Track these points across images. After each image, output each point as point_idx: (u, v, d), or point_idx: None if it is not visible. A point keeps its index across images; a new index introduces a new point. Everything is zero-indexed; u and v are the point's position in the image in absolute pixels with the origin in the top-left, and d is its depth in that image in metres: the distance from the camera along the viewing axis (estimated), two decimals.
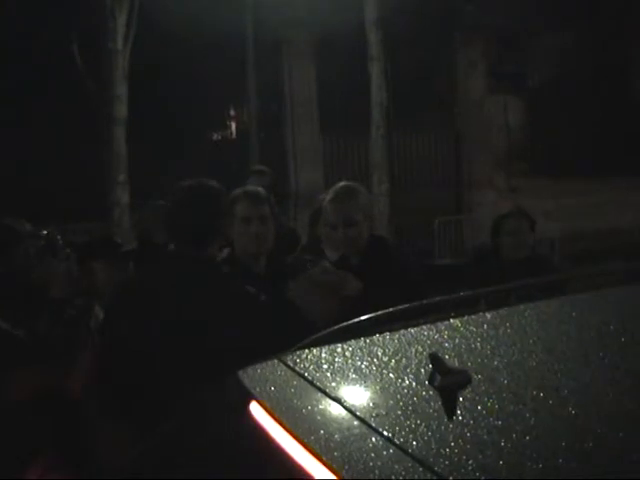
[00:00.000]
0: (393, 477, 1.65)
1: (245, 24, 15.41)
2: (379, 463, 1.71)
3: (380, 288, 4.11)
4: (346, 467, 1.72)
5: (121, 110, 14.09)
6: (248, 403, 2.19)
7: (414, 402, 1.97)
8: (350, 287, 4.13)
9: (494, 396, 1.95)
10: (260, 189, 5.00)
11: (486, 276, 5.35)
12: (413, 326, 2.54)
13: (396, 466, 1.68)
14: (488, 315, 2.58)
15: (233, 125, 19.45)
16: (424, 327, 2.52)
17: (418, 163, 19.02)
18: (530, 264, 5.75)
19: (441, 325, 2.53)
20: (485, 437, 1.75)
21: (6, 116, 15.60)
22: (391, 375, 2.16)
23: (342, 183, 5.04)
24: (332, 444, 1.83)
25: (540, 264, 5.86)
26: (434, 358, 2.01)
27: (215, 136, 19.40)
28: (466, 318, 2.57)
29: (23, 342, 4.25)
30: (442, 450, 1.71)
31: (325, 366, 2.31)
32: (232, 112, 19.38)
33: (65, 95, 15.40)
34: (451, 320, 2.56)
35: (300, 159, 18.35)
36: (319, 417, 2.04)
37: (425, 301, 2.78)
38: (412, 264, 5.38)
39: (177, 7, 14.92)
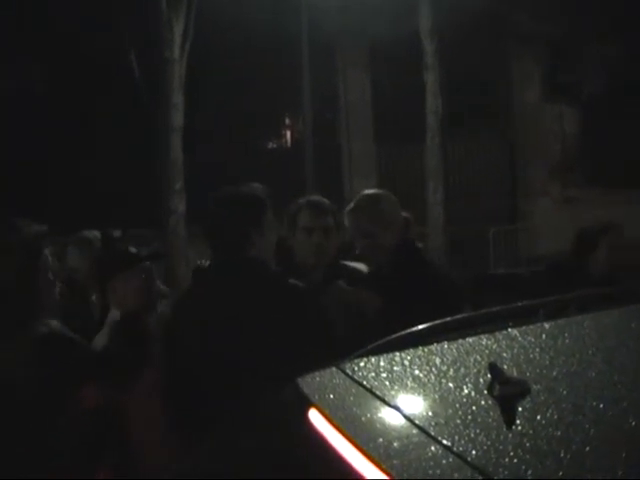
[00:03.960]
0: None
1: (300, 33, 15.47)
2: (438, 472, 1.72)
3: (413, 297, 4.07)
4: (405, 475, 1.73)
5: (177, 119, 14.20)
6: (307, 410, 2.21)
7: (473, 411, 1.97)
8: (367, 305, 4.13)
9: (553, 406, 1.94)
10: (324, 199, 4.94)
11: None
12: (471, 335, 2.54)
13: (455, 475, 1.69)
14: (547, 325, 2.57)
15: (288, 134, 19.53)
16: (482, 337, 2.52)
17: (473, 172, 18.94)
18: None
19: (499, 335, 2.53)
20: (544, 447, 1.74)
21: (67, 126, 15.84)
22: (450, 384, 2.17)
23: (363, 192, 4.97)
24: (391, 452, 1.84)
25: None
26: (493, 367, 2.01)
27: (270, 145, 19.48)
28: (524, 328, 2.56)
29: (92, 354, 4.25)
30: (501, 460, 1.71)
31: (384, 374, 2.32)
32: (287, 121, 19.46)
33: (123, 104, 15.59)
34: (509, 330, 2.55)
35: (354, 167, 18.37)
36: (378, 425, 2.05)
37: (484, 310, 2.78)
38: (441, 271, 5.28)
39: (233, 16, 15.03)
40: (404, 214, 5.12)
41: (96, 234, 6.17)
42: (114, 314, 5.09)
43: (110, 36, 15.37)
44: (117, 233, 6.09)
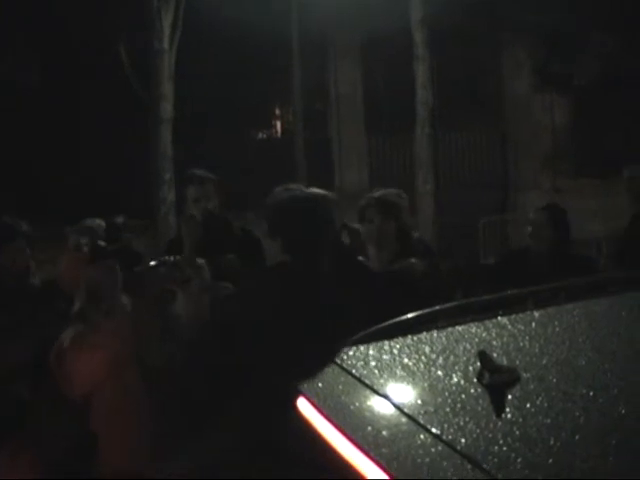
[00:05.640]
0: (442, 474, 1.66)
1: (291, 24, 15.43)
2: (428, 460, 1.71)
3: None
4: (395, 464, 1.72)
5: (167, 110, 14.16)
6: (296, 399, 2.20)
7: (462, 399, 1.96)
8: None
9: (543, 394, 1.93)
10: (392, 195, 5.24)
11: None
12: (460, 324, 2.53)
13: (445, 463, 1.68)
14: (536, 314, 2.57)
15: (278, 124, 19.48)
16: (472, 325, 2.51)
17: (463, 163, 18.93)
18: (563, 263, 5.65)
19: (489, 323, 2.52)
20: (534, 435, 1.74)
21: (54, 116, 15.78)
22: (439, 372, 2.16)
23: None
24: (380, 441, 1.84)
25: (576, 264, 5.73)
26: (482, 356, 2.00)
27: (260, 135, 19.44)
28: (514, 316, 2.55)
29: None
30: (491, 447, 1.71)
31: (373, 363, 2.31)
32: (277, 111, 19.42)
33: (112, 95, 15.54)
34: (499, 318, 2.55)
35: (345, 158, 18.34)
36: (367, 414, 2.04)
37: (473, 299, 2.78)
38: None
39: (223, 7, 14.98)
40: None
41: (99, 222, 6.20)
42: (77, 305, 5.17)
43: (99, 26, 15.31)
44: (120, 219, 6.13)
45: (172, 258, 5.31)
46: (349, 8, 16.08)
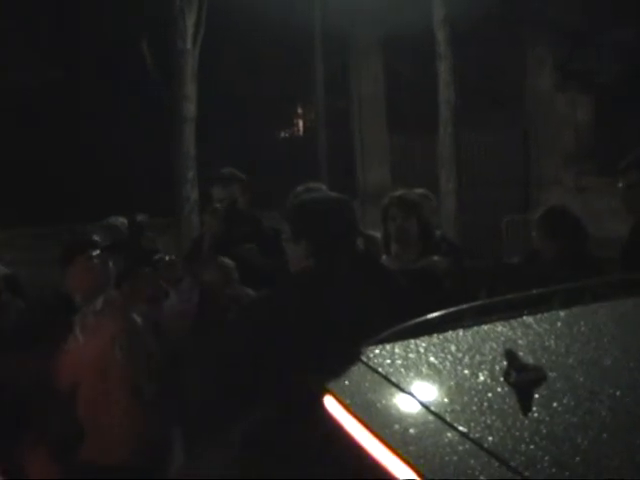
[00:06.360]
0: (469, 472, 1.67)
1: (313, 21, 15.44)
2: (455, 458, 1.72)
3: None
4: (422, 461, 1.73)
5: (190, 109, 14.19)
6: (323, 396, 2.22)
7: (489, 398, 1.97)
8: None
9: (569, 393, 1.94)
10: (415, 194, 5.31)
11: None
12: (486, 323, 2.54)
13: (472, 461, 1.69)
14: (562, 313, 2.57)
15: (300, 123, 19.48)
16: (497, 324, 2.52)
17: (486, 161, 18.87)
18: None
19: (514, 322, 2.52)
20: (561, 434, 1.75)
21: (78, 115, 15.86)
22: (465, 371, 2.17)
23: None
24: (408, 438, 1.85)
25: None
26: (509, 354, 2.01)
27: (282, 134, 19.44)
28: (539, 316, 2.56)
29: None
30: (518, 446, 1.72)
31: (399, 361, 2.32)
32: (299, 110, 19.41)
33: (135, 94, 15.60)
34: (524, 317, 2.55)
35: (367, 157, 18.33)
36: (394, 412, 2.06)
37: (498, 298, 2.78)
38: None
39: (245, 6, 15.01)
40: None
41: (122, 220, 6.24)
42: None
43: (122, 26, 15.37)
44: (142, 217, 6.17)
45: (167, 257, 5.36)
46: (371, 5, 16.08)
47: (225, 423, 3.32)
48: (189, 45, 14.34)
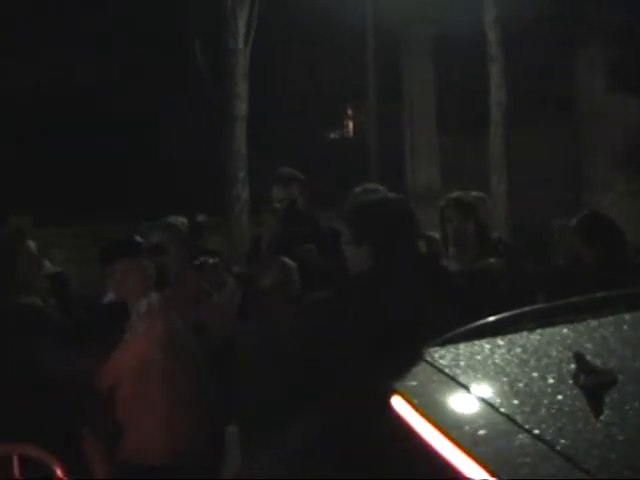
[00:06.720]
0: (543, 473, 1.67)
1: (365, 22, 15.42)
2: (528, 460, 1.72)
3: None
4: (494, 463, 1.73)
5: (241, 108, 14.25)
6: (390, 397, 2.22)
7: (559, 401, 1.96)
8: None
9: None
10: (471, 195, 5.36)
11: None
12: (551, 326, 2.52)
13: (545, 464, 1.69)
14: (627, 316, 2.55)
15: (350, 124, 19.48)
16: (562, 327, 2.50)
17: (536, 163, 18.74)
18: None
19: (579, 325, 2.51)
20: (635, 437, 1.74)
21: (129, 115, 15.99)
22: (533, 374, 2.16)
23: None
24: (478, 439, 1.85)
25: None
26: (579, 357, 2.00)
27: (332, 135, 19.46)
28: (605, 319, 2.54)
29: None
30: (591, 449, 1.71)
31: (464, 362, 2.32)
32: (349, 111, 19.42)
33: (186, 93, 15.70)
34: (589, 321, 2.53)
35: (417, 158, 18.29)
36: (463, 412, 2.06)
37: (562, 301, 2.77)
38: None
39: (297, 6, 15.04)
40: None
41: (182, 219, 6.27)
42: (109, 296, 5.29)
43: (174, 26, 15.47)
44: (202, 217, 6.21)
45: (211, 260, 5.38)
46: (422, 7, 16.04)
47: (285, 424, 3.35)
48: (241, 44, 14.41)
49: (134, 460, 4.62)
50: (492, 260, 5.06)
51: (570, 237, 6.03)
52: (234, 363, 4.85)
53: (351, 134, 19.34)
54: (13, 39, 15.42)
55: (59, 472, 3.88)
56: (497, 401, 2.02)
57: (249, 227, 13.45)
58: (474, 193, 5.84)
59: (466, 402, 2.08)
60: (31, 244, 4.83)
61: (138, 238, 5.36)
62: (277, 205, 6.17)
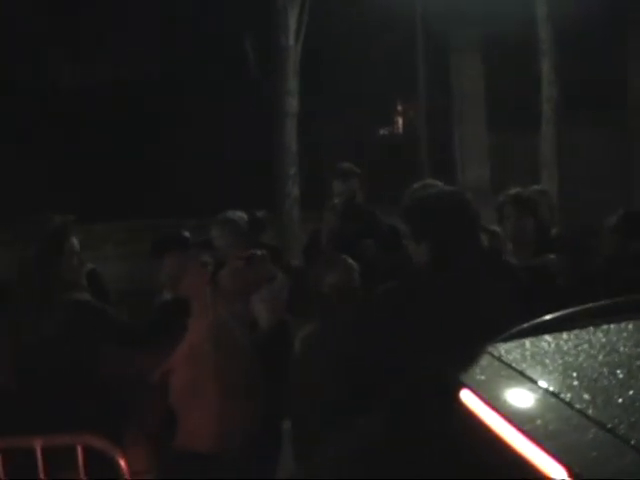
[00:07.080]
0: (616, 467, 1.66)
1: (414, 19, 15.40)
2: (602, 454, 1.72)
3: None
4: (568, 457, 1.73)
5: (292, 105, 14.29)
6: (459, 391, 2.23)
7: (630, 396, 1.95)
8: None
9: None
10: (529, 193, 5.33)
11: None
12: (616, 322, 2.51)
13: (620, 459, 1.69)
14: None
15: (400, 120, 19.46)
16: (628, 323, 2.49)
17: (587, 161, 18.58)
18: None
19: None
20: None
21: (181, 112, 16.11)
22: (603, 369, 2.15)
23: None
24: (550, 433, 1.85)
25: None
26: None
27: (382, 131, 19.45)
28: None
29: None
30: None
31: (531, 357, 2.32)
32: (399, 107, 19.40)
33: (239, 91, 15.77)
34: None
35: (466, 155, 18.22)
36: (534, 406, 2.06)
37: (626, 297, 2.75)
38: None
39: (347, 3, 15.06)
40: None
41: (241, 214, 6.29)
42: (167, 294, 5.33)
43: (226, 24, 15.56)
44: (261, 213, 6.24)
45: (259, 253, 5.39)
46: (472, 3, 15.99)
47: (345, 420, 3.36)
48: (291, 41, 14.45)
49: (187, 446, 4.67)
50: (551, 256, 5.04)
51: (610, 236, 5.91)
52: (291, 362, 4.85)
53: (401, 131, 19.32)
54: (75, 41, 15.68)
55: (122, 464, 3.91)
56: (568, 396, 2.02)
57: (300, 223, 13.50)
58: (536, 187, 5.82)
59: (536, 396, 2.08)
60: (74, 241, 4.87)
61: (186, 233, 5.39)
62: (336, 201, 6.20)
